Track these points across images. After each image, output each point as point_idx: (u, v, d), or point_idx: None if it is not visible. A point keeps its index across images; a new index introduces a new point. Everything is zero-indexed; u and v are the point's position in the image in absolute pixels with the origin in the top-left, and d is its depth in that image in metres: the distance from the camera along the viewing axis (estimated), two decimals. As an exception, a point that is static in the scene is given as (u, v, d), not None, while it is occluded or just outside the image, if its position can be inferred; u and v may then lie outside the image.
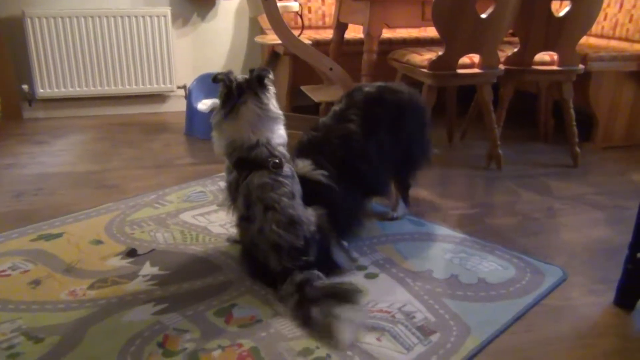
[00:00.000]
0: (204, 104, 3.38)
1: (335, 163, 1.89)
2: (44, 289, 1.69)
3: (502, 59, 2.77)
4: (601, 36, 3.42)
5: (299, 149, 1.95)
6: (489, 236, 2.09)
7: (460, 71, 2.64)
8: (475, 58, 2.67)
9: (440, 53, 2.62)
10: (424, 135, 2.17)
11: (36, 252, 1.91)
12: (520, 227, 2.19)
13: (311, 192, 1.78)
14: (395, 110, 2.04)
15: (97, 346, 1.43)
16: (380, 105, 2.02)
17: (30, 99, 3.66)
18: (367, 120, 1.98)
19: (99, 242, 1.99)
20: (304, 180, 1.81)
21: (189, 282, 1.73)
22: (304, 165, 1.86)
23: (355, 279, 1.77)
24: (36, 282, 1.72)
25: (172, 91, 3.88)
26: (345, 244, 1.88)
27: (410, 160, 2.15)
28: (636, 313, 1.63)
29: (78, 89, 3.69)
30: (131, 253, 1.92)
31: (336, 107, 2.05)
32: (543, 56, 2.80)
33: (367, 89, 2.06)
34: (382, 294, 1.69)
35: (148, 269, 1.81)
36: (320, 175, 1.84)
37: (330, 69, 3.02)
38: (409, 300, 1.66)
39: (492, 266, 1.87)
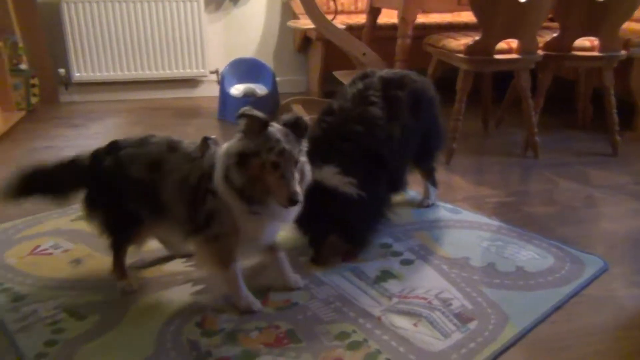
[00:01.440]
0: (237, 89, 3.40)
1: (359, 154, 1.75)
2: (85, 268, 1.72)
3: (541, 45, 2.70)
4: (644, 21, 3.31)
5: (316, 138, 1.71)
6: (526, 225, 2.06)
7: (497, 56, 2.59)
8: (513, 43, 2.62)
9: (477, 38, 2.57)
10: (439, 119, 2.11)
11: (76, 232, 1.95)
12: (558, 216, 2.15)
13: (338, 203, 1.68)
14: (413, 93, 1.94)
15: (137, 325, 1.46)
16: (401, 88, 1.91)
17: (67, 82, 3.73)
18: (389, 102, 1.85)
19: (136, 223, 2.02)
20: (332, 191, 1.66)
21: (226, 265, 1.75)
22: (330, 173, 1.68)
23: (391, 264, 1.76)
24: (77, 261, 1.76)
25: (205, 76, 3.91)
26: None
27: (431, 145, 2.10)
28: (680, 305, 1.59)
29: (113, 73, 3.74)
30: (168, 235, 1.94)
31: (352, 89, 1.90)
32: (583, 42, 2.72)
33: (380, 73, 1.96)
34: (419, 281, 1.68)
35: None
36: (349, 184, 1.68)
37: (364, 54, 3.00)
38: (445, 287, 1.64)
39: (530, 255, 1.84)
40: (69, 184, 1.62)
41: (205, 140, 1.56)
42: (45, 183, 1.63)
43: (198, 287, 1.63)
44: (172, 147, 1.56)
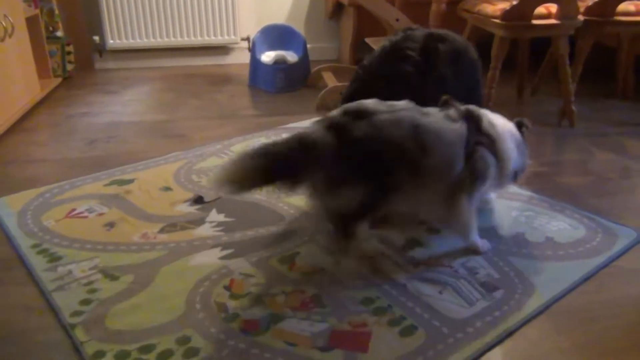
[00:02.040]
0: (268, 56, 3.38)
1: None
2: (118, 231, 1.78)
3: (582, 9, 2.60)
4: (694, -16, 3.14)
5: (342, 95, 1.76)
6: (558, 195, 2.02)
7: (535, 22, 2.50)
8: (553, 8, 2.52)
9: (514, 2, 2.48)
10: (480, 84, 2.05)
11: (110, 196, 2.00)
12: (592, 187, 2.10)
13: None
14: (456, 50, 1.87)
15: (168, 286, 1.50)
16: (443, 41, 1.85)
17: (101, 49, 3.78)
18: (428, 55, 1.78)
19: (167, 188, 2.06)
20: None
21: (254, 230, 1.78)
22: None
23: (418, 232, 1.76)
24: (111, 225, 1.81)
25: (236, 43, 3.90)
26: None
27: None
28: None
29: (146, 40, 3.77)
30: (198, 200, 1.98)
31: (390, 41, 1.84)
32: (628, 6, 2.61)
33: (424, 29, 1.92)
34: (445, 249, 1.67)
35: (214, 216, 1.86)
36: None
37: (397, 20, 2.94)
38: (472, 256, 1.64)
39: (561, 225, 1.81)
40: (303, 167, 1.42)
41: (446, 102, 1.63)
42: (280, 168, 1.40)
43: (227, 252, 1.66)
44: (423, 112, 1.54)
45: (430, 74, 1.79)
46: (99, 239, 1.73)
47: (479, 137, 1.55)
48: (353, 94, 1.78)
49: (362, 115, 1.46)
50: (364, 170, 1.45)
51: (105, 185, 2.09)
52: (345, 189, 1.45)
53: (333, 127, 1.44)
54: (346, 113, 1.48)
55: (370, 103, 1.51)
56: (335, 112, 1.50)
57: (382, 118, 1.46)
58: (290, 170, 1.41)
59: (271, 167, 1.38)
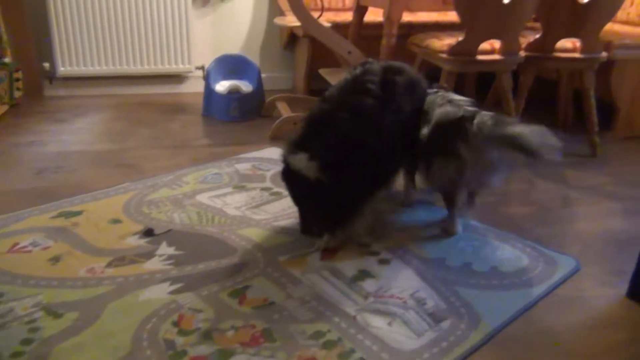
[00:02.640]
0: (222, 86, 3.40)
1: (338, 141, 1.74)
2: (64, 266, 1.73)
3: (523, 46, 2.73)
4: (626, 23, 3.35)
5: (303, 125, 1.83)
6: (503, 225, 2.09)
7: (480, 57, 2.61)
8: (496, 44, 2.64)
9: (460, 38, 2.59)
10: None
11: (56, 229, 1.95)
12: (535, 216, 2.19)
13: (302, 186, 1.74)
14: (411, 81, 1.96)
15: (114, 323, 1.47)
16: (400, 74, 1.93)
17: (51, 76, 3.71)
18: (386, 88, 1.85)
19: (117, 221, 2.03)
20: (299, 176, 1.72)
21: (205, 263, 1.77)
22: (299, 158, 1.71)
23: (368, 263, 1.79)
24: (56, 259, 1.77)
25: (191, 72, 3.90)
26: None
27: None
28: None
29: (98, 67, 3.72)
30: (148, 232, 1.95)
31: (350, 75, 1.93)
32: (565, 43, 2.75)
33: (380, 62, 2.00)
34: (395, 280, 1.70)
35: (165, 249, 1.84)
36: (312, 169, 1.69)
37: (349, 53, 3.01)
38: (421, 286, 1.67)
39: (505, 255, 1.87)
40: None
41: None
42: None
43: (176, 286, 1.64)
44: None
45: (388, 105, 1.85)
46: (43, 275, 1.68)
47: None
48: (315, 118, 1.83)
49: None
50: None
51: (52, 217, 2.04)
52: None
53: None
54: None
55: None
56: None
57: None
58: None
59: None
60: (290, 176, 1.77)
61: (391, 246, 1.90)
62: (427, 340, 1.44)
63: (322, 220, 1.84)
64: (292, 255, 1.83)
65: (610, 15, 2.71)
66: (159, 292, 1.61)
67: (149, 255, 1.81)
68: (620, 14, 3.35)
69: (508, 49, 2.64)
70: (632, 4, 3.30)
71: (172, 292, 1.61)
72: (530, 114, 3.31)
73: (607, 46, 2.90)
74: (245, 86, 3.41)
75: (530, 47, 2.76)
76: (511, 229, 2.06)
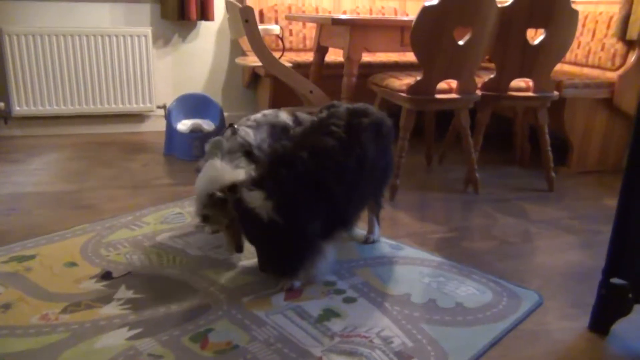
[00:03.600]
0: (184, 124, 3.38)
1: (297, 181, 1.73)
2: (15, 313, 1.65)
3: (479, 85, 2.82)
4: (575, 64, 3.51)
5: (263, 162, 1.85)
6: (466, 260, 2.11)
7: (438, 96, 2.68)
8: (453, 83, 2.72)
9: (418, 78, 2.66)
10: (392, 152, 2.17)
11: (7, 274, 1.87)
12: (496, 250, 2.22)
13: (257, 225, 1.72)
14: (376, 122, 1.98)
15: (68, 373, 1.39)
16: (365, 116, 1.95)
17: (6, 116, 3.61)
18: (352, 131, 1.87)
19: (73, 264, 1.96)
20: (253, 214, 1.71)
21: (165, 306, 1.71)
22: (255, 196, 1.70)
23: (334, 303, 1.76)
24: (6, 306, 1.68)
25: (152, 111, 3.87)
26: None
27: (387, 178, 2.16)
28: (610, 338, 1.65)
29: (56, 107, 3.65)
30: (106, 276, 1.88)
31: (316, 117, 1.97)
32: (519, 82, 2.86)
33: (345, 105, 2.04)
34: (361, 319, 1.68)
35: (123, 293, 1.78)
36: (268, 209, 1.68)
37: (311, 92, 3.05)
38: (387, 325, 1.66)
39: (469, 290, 1.88)
40: None
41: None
42: None
43: (134, 332, 1.58)
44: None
45: (353, 149, 1.86)
46: (-8, 323, 1.59)
47: None
48: (275, 156, 1.82)
49: None
50: None
51: (3, 262, 1.95)
52: None
53: None
54: None
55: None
56: None
57: None
58: None
59: None
60: (244, 213, 1.74)
61: (356, 284, 1.89)
62: (395, 380, 1.42)
63: (279, 261, 1.82)
64: (256, 295, 1.79)
65: (559, 57, 2.84)
66: (117, 338, 1.54)
67: (107, 299, 1.74)
68: (569, 56, 3.52)
69: (464, 88, 2.72)
70: (579, 46, 3.46)
71: (130, 338, 1.55)
72: (488, 150, 3.41)
73: (558, 85, 3.02)
74: (208, 125, 3.39)
75: (486, 86, 2.85)
76: (474, 264, 2.08)
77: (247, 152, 2.08)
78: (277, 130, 2.22)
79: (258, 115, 2.30)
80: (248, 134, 2.15)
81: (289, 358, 1.48)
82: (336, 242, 1.91)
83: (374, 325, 1.65)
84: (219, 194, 1.89)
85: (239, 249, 1.98)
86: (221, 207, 1.90)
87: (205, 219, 1.98)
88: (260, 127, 2.21)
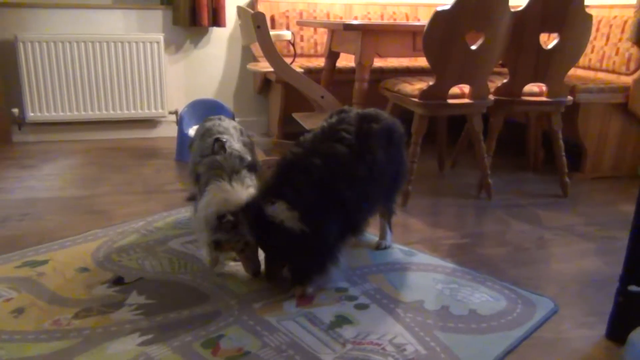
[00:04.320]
0: (195, 130, 3.38)
1: (312, 188, 1.73)
2: (27, 318, 1.65)
3: (492, 90, 2.80)
4: (589, 68, 3.48)
5: (276, 170, 1.82)
6: (479, 266, 2.08)
7: (450, 101, 2.66)
8: (466, 88, 2.70)
9: (430, 83, 2.64)
10: (405, 158, 2.15)
11: (20, 279, 1.87)
12: (510, 257, 2.19)
13: (282, 236, 1.71)
14: (387, 128, 1.97)
15: (79, 378, 1.39)
16: (376, 121, 1.93)
17: (20, 122, 3.65)
18: (362, 137, 1.86)
19: (85, 269, 1.96)
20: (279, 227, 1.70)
21: (176, 312, 1.70)
22: (280, 209, 1.69)
23: (346, 309, 1.75)
24: (19, 311, 1.68)
25: (164, 116, 3.89)
26: None
27: (398, 184, 2.14)
28: (628, 347, 1.62)
29: (69, 113, 3.68)
30: (118, 281, 1.88)
31: (326, 123, 1.94)
32: (532, 87, 2.83)
33: (356, 110, 2.02)
34: (373, 326, 1.66)
35: (135, 298, 1.78)
36: (294, 219, 1.69)
37: (322, 97, 3.04)
38: (399, 332, 1.64)
39: (483, 297, 1.86)
40: None
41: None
42: None
43: (146, 337, 1.57)
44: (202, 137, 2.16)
45: (363, 155, 1.85)
46: (5, 328, 1.59)
47: None
48: (289, 164, 1.81)
49: None
50: None
51: (16, 267, 1.96)
52: None
53: None
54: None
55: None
56: None
57: None
58: None
59: None
60: (268, 228, 1.71)
61: (368, 290, 1.87)
62: (408, 388, 1.40)
63: (298, 269, 1.81)
64: (267, 301, 1.78)
65: (573, 61, 2.81)
66: (128, 344, 1.54)
67: (118, 305, 1.74)
68: (583, 60, 3.48)
69: (477, 93, 2.70)
70: (592, 50, 3.43)
71: (141, 344, 1.54)
72: (501, 156, 3.38)
73: (572, 90, 2.99)
74: (219, 131, 3.39)
75: (499, 91, 2.83)
76: (488, 271, 2.05)
77: (250, 166, 1.99)
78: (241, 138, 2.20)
79: (212, 123, 2.22)
80: (234, 145, 2.03)
81: (300, 365, 1.47)
82: (346, 248, 1.90)
83: (387, 332, 1.63)
84: (230, 216, 1.79)
85: (257, 272, 1.90)
86: (233, 231, 1.80)
87: (217, 245, 1.83)
88: (231, 135, 2.13)
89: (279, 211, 1.69)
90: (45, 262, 2.00)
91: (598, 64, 3.40)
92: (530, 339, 1.64)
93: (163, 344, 1.54)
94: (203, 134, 2.16)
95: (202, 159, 2.01)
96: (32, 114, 3.60)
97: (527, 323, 1.71)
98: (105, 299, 1.77)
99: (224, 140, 2.02)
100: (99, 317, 1.67)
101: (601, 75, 3.37)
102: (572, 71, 3.21)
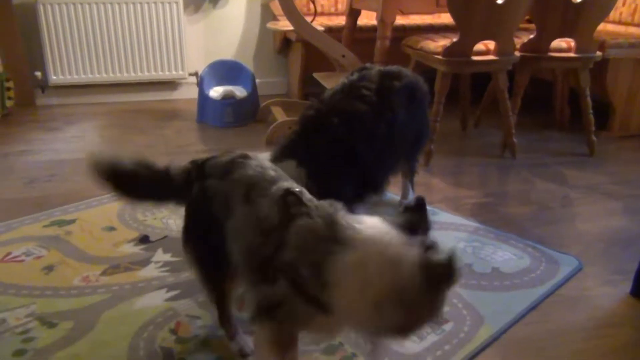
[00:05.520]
0: (216, 91, 3.37)
1: (328, 147, 1.68)
2: (58, 275, 1.69)
3: (518, 46, 2.72)
4: (619, 22, 3.35)
5: (294, 130, 1.78)
6: (503, 225, 2.07)
7: (475, 58, 2.60)
8: (491, 45, 2.63)
9: (454, 39, 2.58)
10: (428, 117, 2.11)
11: (49, 238, 1.92)
12: (535, 216, 2.17)
13: None
14: (409, 86, 1.92)
15: (109, 332, 1.43)
16: (398, 79, 1.88)
17: (43, 85, 3.67)
18: (383, 95, 1.81)
19: (111, 228, 2.00)
20: None
21: (201, 269, 1.73)
22: (289, 167, 1.56)
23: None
24: (49, 268, 1.73)
25: (184, 78, 3.87)
26: None
27: (420, 143, 2.11)
28: (653, 304, 1.61)
29: (90, 75, 3.69)
30: (143, 240, 1.92)
31: (347, 80, 1.89)
32: (560, 43, 2.75)
33: (378, 67, 1.97)
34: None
35: (160, 256, 1.81)
36: (304, 178, 1.57)
37: (343, 56, 3.00)
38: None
39: (506, 255, 1.85)
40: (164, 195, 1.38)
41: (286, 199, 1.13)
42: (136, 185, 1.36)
43: (172, 293, 1.61)
44: (247, 197, 1.17)
45: (384, 113, 1.81)
46: (37, 284, 1.64)
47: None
48: (307, 122, 1.79)
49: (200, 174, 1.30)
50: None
51: (45, 226, 2.01)
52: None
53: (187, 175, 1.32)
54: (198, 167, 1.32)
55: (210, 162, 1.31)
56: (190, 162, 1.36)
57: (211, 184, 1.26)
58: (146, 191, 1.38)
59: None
60: None
61: (390, 249, 1.87)
62: (430, 343, 1.41)
63: None
64: (290, 259, 1.80)
65: (603, 15, 2.71)
66: (156, 300, 1.57)
67: (145, 262, 1.77)
68: (613, 14, 3.36)
69: (503, 50, 2.63)
70: (624, 4, 3.30)
71: (168, 299, 1.58)
72: (526, 114, 3.31)
73: (601, 45, 2.89)
74: (240, 91, 3.38)
75: (525, 47, 2.75)
76: (511, 229, 2.03)
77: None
78: None
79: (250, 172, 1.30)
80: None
81: (324, 320, 1.49)
82: (365, 205, 1.88)
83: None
84: None
85: None
86: None
87: None
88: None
89: (286, 168, 1.66)
90: (72, 221, 2.04)
91: (629, 17, 3.28)
92: (553, 296, 1.64)
93: (189, 300, 1.57)
94: (245, 194, 1.19)
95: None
96: (55, 77, 3.62)
97: (551, 280, 1.70)
98: (132, 256, 1.81)
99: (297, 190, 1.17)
100: (127, 273, 1.71)
101: (632, 29, 3.25)
102: (602, 26, 3.10)
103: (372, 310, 0.97)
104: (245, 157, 1.27)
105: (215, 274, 1.31)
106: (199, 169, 1.31)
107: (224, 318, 1.37)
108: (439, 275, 0.94)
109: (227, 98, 3.30)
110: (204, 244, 1.29)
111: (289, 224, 1.08)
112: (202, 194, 1.26)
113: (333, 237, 1.02)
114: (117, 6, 3.61)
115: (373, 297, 0.96)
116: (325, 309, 1.02)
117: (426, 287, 0.95)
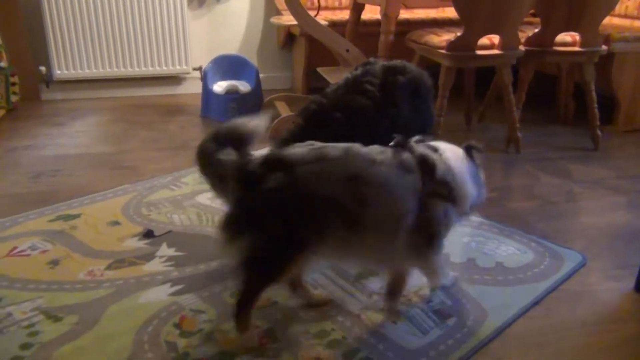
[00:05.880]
0: (220, 86, 3.37)
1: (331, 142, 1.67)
2: (63, 269, 1.70)
3: (523, 40, 2.71)
4: (625, 16, 3.34)
5: (298, 124, 1.78)
6: (507, 220, 2.07)
7: (479, 52, 2.59)
8: (495, 39, 2.62)
9: (458, 34, 2.57)
10: (432, 112, 2.10)
11: (54, 232, 1.93)
12: (539, 211, 2.16)
13: None
14: (414, 80, 1.90)
15: (114, 326, 1.44)
16: (402, 74, 1.87)
17: (48, 80, 3.68)
18: (387, 90, 1.81)
19: (116, 223, 2.00)
20: None
21: (205, 264, 1.74)
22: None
23: (371, 262, 1.76)
24: (55, 262, 1.74)
25: (188, 73, 3.88)
26: None
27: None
28: (657, 299, 1.61)
29: (95, 70, 3.70)
30: (148, 234, 1.93)
31: (350, 75, 1.89)
32: (564, 37, 2.74)
33: (381, 62, 1.96)
34: (398, 277, 1.68)
35: (165, 250, 1.82)
36: None
37: (347, 51, 2.99)
38: (425, 283, 1.64)
39: (510, 250, 1.85)
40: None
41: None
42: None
43: (177, 287, 1.61)
44: (372, 159, 1.34)
45: (387, 109, 1.81)
46: (42, 278, 1.65)
47: (435, 187, 1.37)
48: (309, 117, 1.79)
49: (280, 166, 1.30)
50: (270, 224, 1.29)
51: (50, 221, 2.02)
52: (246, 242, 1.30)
53: (244, 177, 1.33)
54: (265, 162, 1.33)
55: (296, 153, 1.33)
56: (255, 161, 1.35)
57: (304, 170, 1.29)
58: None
59: None
60: None
61: (394, 243, 1.88)
62: (434, 337, 1.42)
63: None
64: (294, 254, 1.81)
65: (609, 9, 2.69)
66: (160, 294, 1.58)
67: (149, 256, 1.78)
68: (619, 8, 3.34)
69: (507, 44, 2.62)
70: (630, -3, 3.29)
71: (173, 294, 1.58)
72: (531, 108, 3.30)
73: (607, 39, 2.88)
74: (243, 86, 3.38)
75: (530, 41, 2.74)
76: (515, 224, 2.03)
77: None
78: None
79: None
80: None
81: (327, 315, 1.50)
82: None
83: (412, 283, 1.64)
84: None
85: None
86: None
87: None
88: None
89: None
90: (77, 215, 2.05)
91: (635, 11, 3.26)
92: (557, 291, 1.64)
93: (194, 294, 1.58)
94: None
95: None
96: (59, 72, 3.63)
97: (554, 275, 1.70)
98: (136, 251, 1.82)
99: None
100: (131, 268, 1.72)
101: (638, 23, 3.23)
102: (607, 20, 3.08)
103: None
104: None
105: (280, 258, 1.31)
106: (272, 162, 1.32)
107: (245, 310, 1.36)
108: None
109: (231, 93, 3.30)
110: (283, 227, 1.28)
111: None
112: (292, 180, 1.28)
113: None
114: (121, 1, 3.61)
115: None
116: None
117: None
